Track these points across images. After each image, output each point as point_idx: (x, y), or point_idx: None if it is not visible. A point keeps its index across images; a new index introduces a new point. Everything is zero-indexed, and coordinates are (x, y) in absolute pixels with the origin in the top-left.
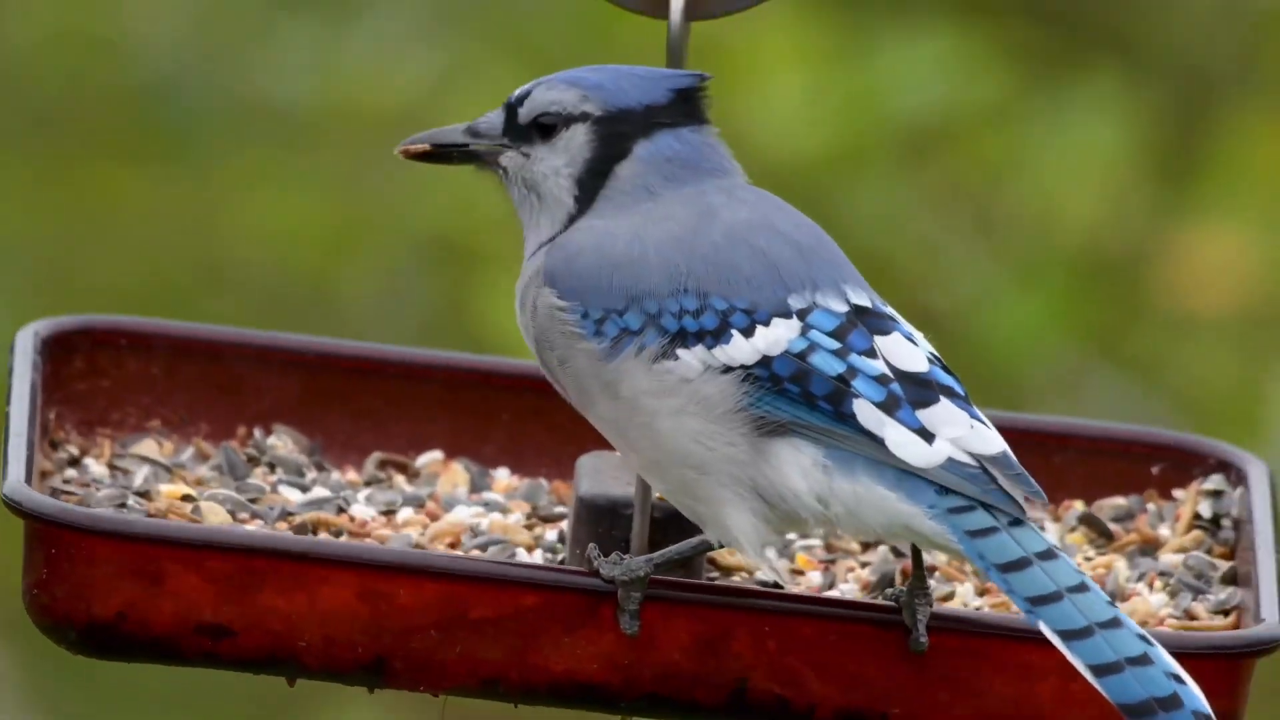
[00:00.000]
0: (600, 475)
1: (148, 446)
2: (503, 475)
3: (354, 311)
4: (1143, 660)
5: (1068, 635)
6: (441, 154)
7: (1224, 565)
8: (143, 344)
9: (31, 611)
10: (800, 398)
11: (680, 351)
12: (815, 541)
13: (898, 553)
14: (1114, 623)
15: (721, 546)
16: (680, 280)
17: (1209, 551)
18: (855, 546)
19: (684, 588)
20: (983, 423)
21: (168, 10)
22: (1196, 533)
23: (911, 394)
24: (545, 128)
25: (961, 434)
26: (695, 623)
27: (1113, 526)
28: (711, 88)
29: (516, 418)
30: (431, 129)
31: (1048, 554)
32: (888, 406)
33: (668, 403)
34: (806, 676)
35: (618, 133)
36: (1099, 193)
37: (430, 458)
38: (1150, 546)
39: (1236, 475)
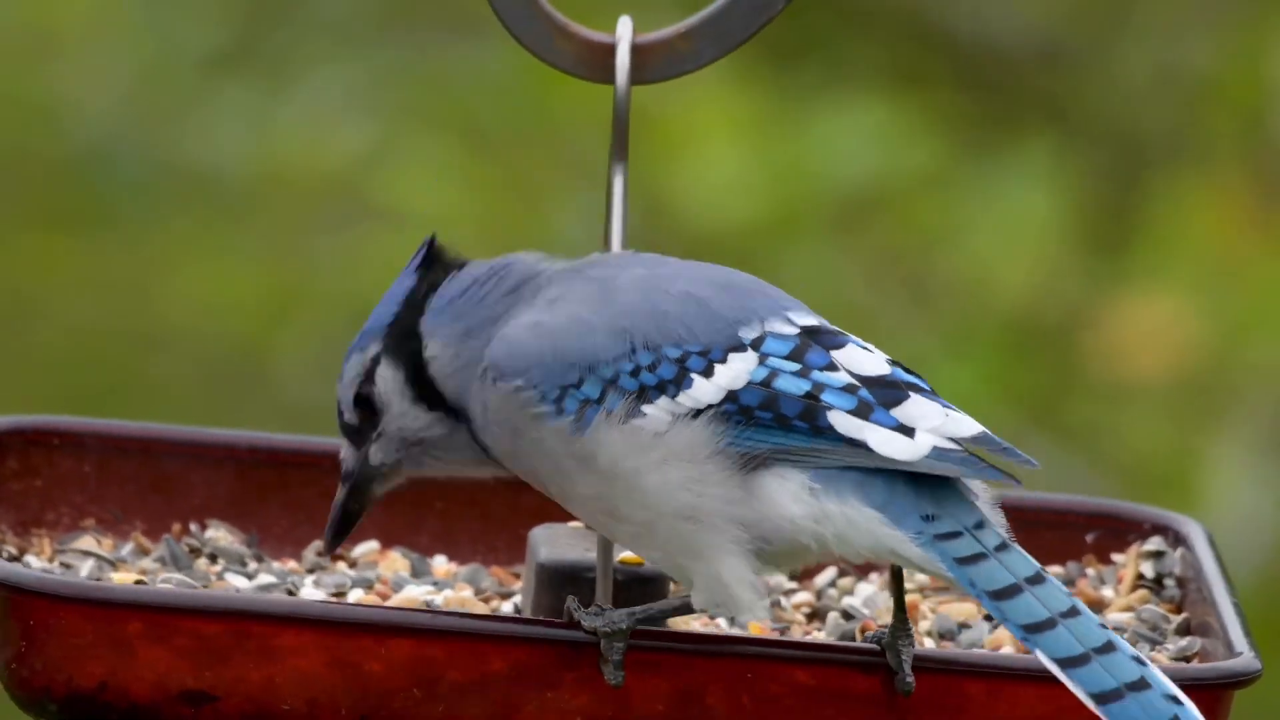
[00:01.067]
0: (555, 543)
1: (87, 543)
2: (440, 562)
3: (289, 380)
4: (1141, 685)
5: (1066, 663)
6: (348, 516)
7: (1176, 618)
8: (74, 443)
9: (10, 686)
10: (774, 422)
11: (645, 408)
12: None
13: (849, 616)
14: (1109, 647)
15: (704, 611)
16: (627, 339)
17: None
18: (800, 618)
19: (666, 637)
20: (955, 410)
21: (102, 78)
22: (1141, 592)
23: (881, 396)
24: (369, 404)
25: (939, 423)
26: (676, 673)
27: None
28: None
29: (450, 506)
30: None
31: (1037, 578)
32: (861, 412)
33: (648, 459)
34: None
35: (402, 336)
36: (1032, 260)
37: (367, 547)
38: (1095, 607)
39: (1175, 537)
